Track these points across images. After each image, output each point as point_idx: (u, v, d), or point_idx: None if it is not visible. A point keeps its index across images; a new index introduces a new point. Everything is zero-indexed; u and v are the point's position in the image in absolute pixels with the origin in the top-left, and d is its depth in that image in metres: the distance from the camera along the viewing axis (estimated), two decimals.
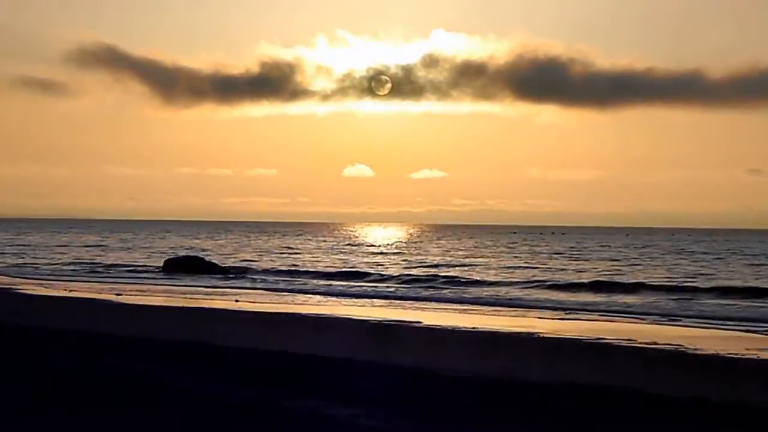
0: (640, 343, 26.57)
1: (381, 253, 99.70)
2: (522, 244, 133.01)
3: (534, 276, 62.72)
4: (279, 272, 66.54)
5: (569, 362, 21.75)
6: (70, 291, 45.25)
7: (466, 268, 71.37)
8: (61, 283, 52.77)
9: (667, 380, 18.74)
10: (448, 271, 66.86)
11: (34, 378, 14.75)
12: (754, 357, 24.07)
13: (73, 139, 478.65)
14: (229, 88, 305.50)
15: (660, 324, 33.89)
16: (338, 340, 25.64)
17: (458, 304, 41.98)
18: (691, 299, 45.55)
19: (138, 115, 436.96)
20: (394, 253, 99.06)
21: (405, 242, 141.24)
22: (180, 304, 38.62)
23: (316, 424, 11.65)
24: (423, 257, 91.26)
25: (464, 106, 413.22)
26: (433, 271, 67.29)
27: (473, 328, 30.50)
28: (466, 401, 13.78)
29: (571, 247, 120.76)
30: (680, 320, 35.47)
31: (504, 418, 12.50)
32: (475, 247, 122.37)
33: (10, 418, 11.68)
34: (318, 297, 45.99)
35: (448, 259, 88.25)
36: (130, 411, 12.27)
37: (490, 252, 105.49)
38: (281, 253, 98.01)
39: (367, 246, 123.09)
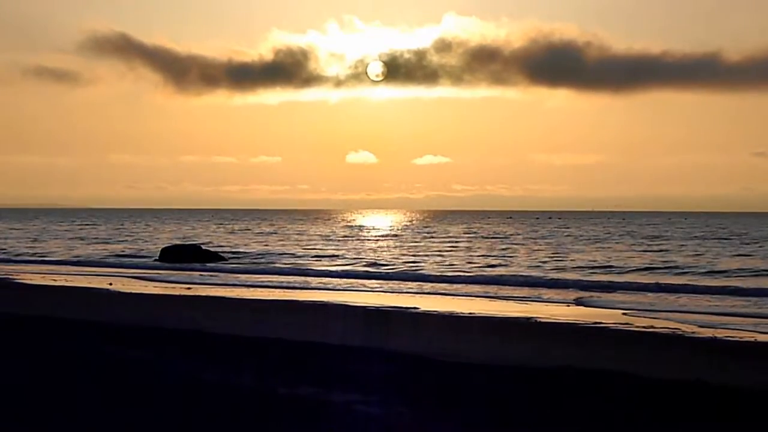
0: (637, 327, 26.63)
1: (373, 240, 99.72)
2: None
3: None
4: (273, 259, 66.57)
5: (567, 347, 21.73)
6: (67, 280, 45.20)
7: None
8: (57, 272, 52.67)
9: (665, 363, 18.72)
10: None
11: (33, 364, 14.71)
12: (752, 339, 24.25)
13: (84, 128, 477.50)
14: (243, 75, 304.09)
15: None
16: (334, 327, 25.60)
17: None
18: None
19: (151, 104, 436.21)
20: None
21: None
22: (176, 293, 38.58)
23: (313, 410, 11.60)
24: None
25: (478, 92, 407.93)
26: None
27: (470, 313, 30.55)
28: (464, 386, 13.74)
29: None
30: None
31: (503, 402, 12.46)
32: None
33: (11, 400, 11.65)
34: (316, 283, 45.95)
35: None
36: (127, 397, 12.22)
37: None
38: (278, 241, 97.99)
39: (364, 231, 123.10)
